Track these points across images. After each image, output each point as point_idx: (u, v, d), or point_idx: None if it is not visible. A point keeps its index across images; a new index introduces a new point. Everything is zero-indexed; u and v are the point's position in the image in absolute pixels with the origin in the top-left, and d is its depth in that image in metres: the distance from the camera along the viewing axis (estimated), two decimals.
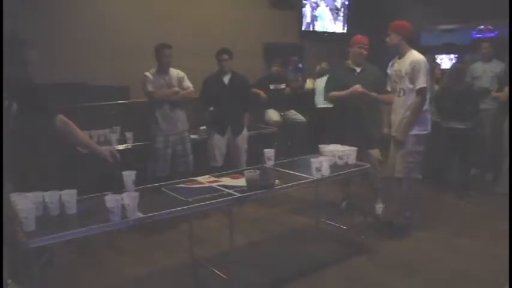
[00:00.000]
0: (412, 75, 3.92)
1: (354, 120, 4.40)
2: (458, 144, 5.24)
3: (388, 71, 4.26)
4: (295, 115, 6.86)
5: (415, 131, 3.98)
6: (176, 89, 4.70)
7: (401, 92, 4.03)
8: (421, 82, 3.89)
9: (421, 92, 3.91)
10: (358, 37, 4.53)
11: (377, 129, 4.45)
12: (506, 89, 5.27)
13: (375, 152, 4.53)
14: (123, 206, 2.49)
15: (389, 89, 4.24)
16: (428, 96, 4.03)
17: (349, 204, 4.81)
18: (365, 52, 4.49)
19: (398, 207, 4.22)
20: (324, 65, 7.51)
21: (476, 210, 4.88)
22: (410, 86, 3.95)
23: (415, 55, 3.99)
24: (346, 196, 4.87)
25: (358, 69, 4.52)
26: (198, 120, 5.46)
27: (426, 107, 4.02)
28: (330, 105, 7.05)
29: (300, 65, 8.57)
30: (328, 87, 4.71)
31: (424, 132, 4.01)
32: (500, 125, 5.33)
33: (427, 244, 4.01)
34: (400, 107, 4.04)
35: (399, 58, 4.09)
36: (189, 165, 4.89)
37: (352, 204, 4.79)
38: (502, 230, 4.13)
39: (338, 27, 9.13)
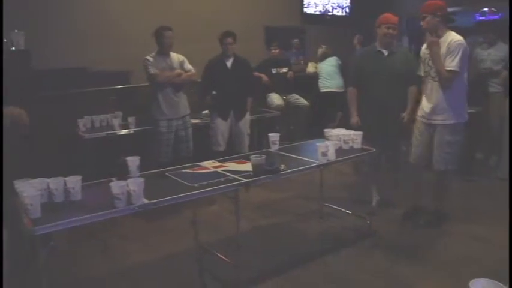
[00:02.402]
0: (447, 56, 3.61)
1: (383, 110, 4.17)
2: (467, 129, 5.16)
3: (421, 53, 3.90)
4: (297, 99, 6.83)
5: (452, 120, 3.72)
6: (179, 71, 4.64)
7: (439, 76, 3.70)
8: (453, 64, 3.57)
9: (449, 75, 3.60)
10: (385, 16, 4.16)
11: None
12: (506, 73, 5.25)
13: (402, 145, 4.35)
14: (128, 192, 2.47)
15: (421, 73, 3.91)
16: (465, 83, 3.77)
17: (380, 199, 4.42)
18: (393, 32, 4.12)
19: (435, 197, 4.08)
20: (324, 48, 7.46)
21: (481, 196, 4.84)
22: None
23: (454, 36, 3.65)
24: (376, 189, 4.42)
25: (386, 53, 4.18)
26: (200, 105, 5.41)
27: (463, 94, 3.77)
28: (334, 89, 7.12)
29: (302, 48, 8.48)
30: (352, 72, 4.48)
31: (462, 121, 3.78)
32: (505, 109, 5.29)
33: (434, 229, 3.97)
34: (436, 92, 3.73)
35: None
36: (190, 151, 4.84)
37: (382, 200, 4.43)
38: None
39: (340, 9, 9.01)
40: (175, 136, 4.74)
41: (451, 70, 3.60)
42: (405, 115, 4.16)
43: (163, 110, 4.64)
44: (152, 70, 4.55)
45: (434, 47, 3.68)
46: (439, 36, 3.68)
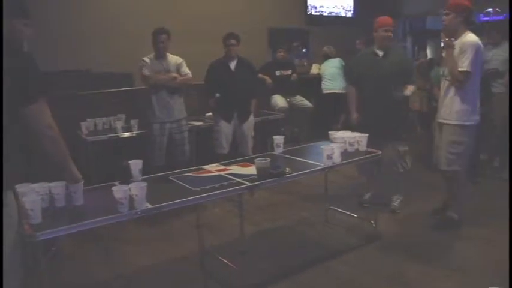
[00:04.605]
0: (459, 57, 3.56)
1: (378, 109, 4.16)
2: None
3: (443, 53, 3.87)
4: (301, 101, 6.79)
5: (459, 121, 3.65)
6: (174, 74, 4.57)
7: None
8: (464, 65, 3.51)
9: (460, 76, 3.55)
10: (382, 19, 4.20)
11: (403, 120, 4.22)
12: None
13: (401, 145, 4.30)
14: (131, 196, 2.43)
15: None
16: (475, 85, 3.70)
17: (373, 195, 4.42)
18: (391, 35, 4.17)
19: (449, 200, 4.06)
20: (327, 48, 7.43)
21: (485, 197, 4.78)
22: None
23: (468, 37, 3.57)
24: (370, 187, 4.51)
25: (382, 54, 4.20)
26: (204, 107, 5.38)
27: (474, 96, 3.68)
28: (337, 91, 7.07)
29: (305, 50, 8.45)
30: (349, 72, 4.51)
31: (469, 123, 3.65)
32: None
33: (439, 232, 3.92)
34: (446, 91, 3.72)
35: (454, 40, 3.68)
36: (186, 155, 4.79)
37: (376, 196, 4.39)
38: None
39: (344, 11, 8.97)
40: (169, 139, 4.68)
41: (462, 71, 3.55)
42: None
43: (156, 112, 4.59)
44: (145, 72, 4.51)
45: (448, 49, 3.66)
46: (456, 38, 3.63)
